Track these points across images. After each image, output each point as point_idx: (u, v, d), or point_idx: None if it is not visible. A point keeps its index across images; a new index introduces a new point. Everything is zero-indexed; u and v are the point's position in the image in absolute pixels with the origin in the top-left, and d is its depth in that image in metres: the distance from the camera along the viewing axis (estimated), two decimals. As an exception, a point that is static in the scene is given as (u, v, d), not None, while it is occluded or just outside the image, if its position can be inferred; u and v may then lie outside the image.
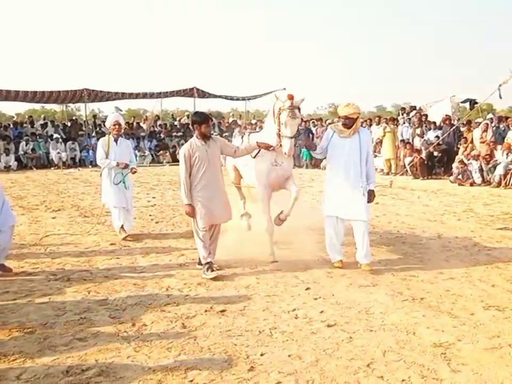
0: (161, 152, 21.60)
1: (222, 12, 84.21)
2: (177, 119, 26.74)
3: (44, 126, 22.10)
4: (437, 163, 15.61)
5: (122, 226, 7.46)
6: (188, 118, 25.72)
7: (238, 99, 26.83)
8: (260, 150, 5.88)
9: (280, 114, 5.54)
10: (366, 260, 5.70)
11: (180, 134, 23.43)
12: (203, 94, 24.49)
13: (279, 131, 5.58)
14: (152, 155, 21.33)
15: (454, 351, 3.78)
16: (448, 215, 9.39)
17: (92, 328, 4.22)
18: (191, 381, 3.35)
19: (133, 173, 7.75)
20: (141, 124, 24.02)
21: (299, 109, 5.62)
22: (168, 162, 20.91)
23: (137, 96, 24.14)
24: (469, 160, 14.33)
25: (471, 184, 13.68)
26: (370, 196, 5.74)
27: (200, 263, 5.78)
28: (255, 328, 4.21)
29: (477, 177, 13.84)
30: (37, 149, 20.04)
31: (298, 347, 3.85)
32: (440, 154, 15.50)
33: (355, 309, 4.64)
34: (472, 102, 19.30)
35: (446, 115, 16.44)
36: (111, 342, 3.94)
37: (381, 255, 6.46)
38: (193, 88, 23.77)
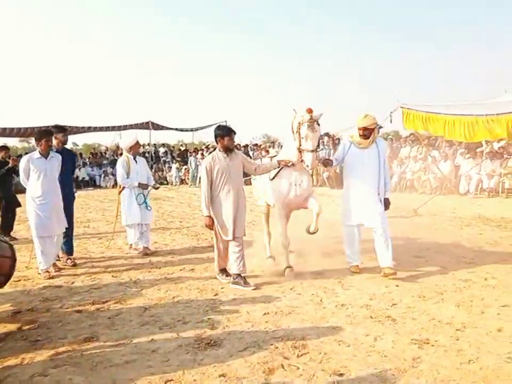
0: (122, 175, 22.29)
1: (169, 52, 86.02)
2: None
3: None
4: (348, 176, 17.21)
5: (131, 245, 6.91)
6: (144, 147, 26.33)
7: (187, 130, 27.42)
8: (278, 172, 5.29)
9: (300, 128, 4.96)
10: (388, 263, 5.16)
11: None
12: (157, 127, 24.95)
13: (300, 146, 5.00)
14: (114, 179, 21.95)
15: (347, 280, 5.14)
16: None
17: (102, 282, 5.31)
18: (176, 301, 4.52)
19: (156, 189, 7.29)
20: (103, 154, 24.58)
21: (318, 123, 5.01)
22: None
23: (100, 129, 24.04)
24: (372, 172, 16.06)
25: (374, 190, 15.34)
26: (386, 204, 5.46)
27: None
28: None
29: (378, 185, 15.56)
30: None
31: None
32: (351, 169, 17.17)
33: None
34: (378, 127, 21.26)
35: (354, 138, 18.19)
36: (117, 289, 5.03)
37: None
38: (148, 121, 24.10)
